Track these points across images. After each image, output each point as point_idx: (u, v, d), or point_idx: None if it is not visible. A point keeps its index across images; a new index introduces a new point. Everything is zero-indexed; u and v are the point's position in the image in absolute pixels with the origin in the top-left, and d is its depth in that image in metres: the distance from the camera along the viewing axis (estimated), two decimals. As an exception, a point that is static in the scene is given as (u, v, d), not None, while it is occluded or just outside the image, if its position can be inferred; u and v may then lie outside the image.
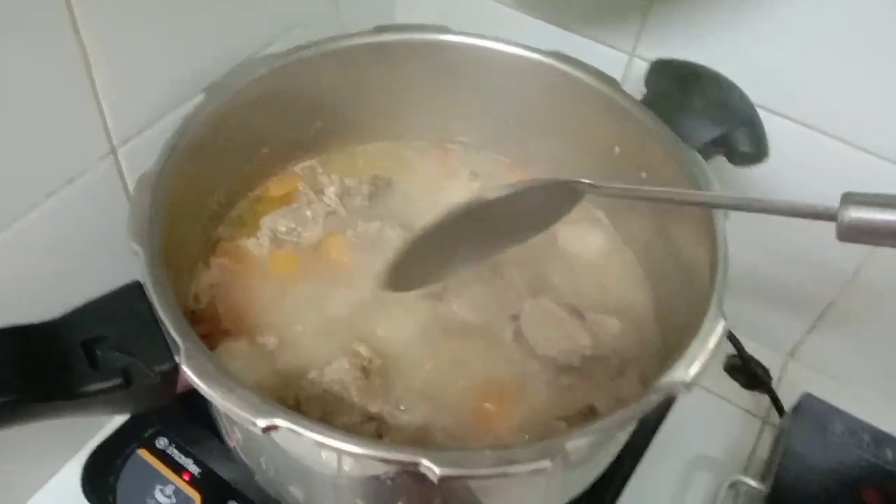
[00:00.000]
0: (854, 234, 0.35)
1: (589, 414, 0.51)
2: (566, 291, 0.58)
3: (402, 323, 0.55)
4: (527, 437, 0.50)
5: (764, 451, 0.71)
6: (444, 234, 0.46)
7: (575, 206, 0.50)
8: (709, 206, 0.49)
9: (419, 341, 0.54)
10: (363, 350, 0.52)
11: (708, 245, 0.49)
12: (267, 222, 0.59)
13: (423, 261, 0.48)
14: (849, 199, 0.35)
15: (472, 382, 0.52)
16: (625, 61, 0.68)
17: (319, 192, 0.62)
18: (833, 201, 0.40)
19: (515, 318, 0.56)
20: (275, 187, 0.63)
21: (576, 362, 0.53)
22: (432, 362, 0.53)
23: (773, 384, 0.76)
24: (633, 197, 0.53)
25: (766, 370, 0.77)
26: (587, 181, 0.48)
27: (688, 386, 0.41)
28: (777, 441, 0.68)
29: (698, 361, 0.42)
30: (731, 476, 0.65)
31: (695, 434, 0.70)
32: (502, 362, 0.54)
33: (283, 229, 0.59)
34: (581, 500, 0.54)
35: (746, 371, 0.77)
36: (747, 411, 0.75)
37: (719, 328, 0.44)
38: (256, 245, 0.58)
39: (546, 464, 0.37)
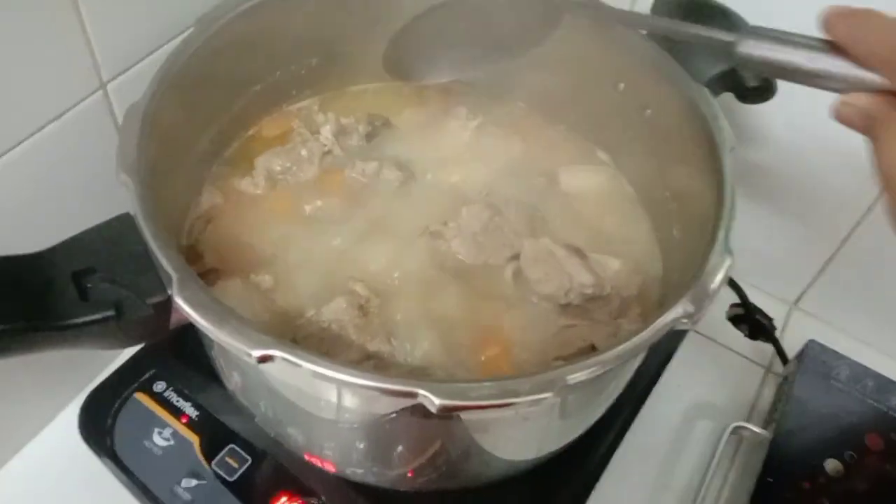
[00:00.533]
0: (745, 64, 0.38)
1: (590, 353, 0.50)
2: (568, 232, 0.57)
3: (399, 261, 0.54)
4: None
5: (767, 400, 0.70)
6: (435, 23, 0.54)
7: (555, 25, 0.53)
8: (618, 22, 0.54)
9: (417, 280, 0.53)
10: (360, 289, 0.51)
11: (713, 181, 0.48)
12: (261, 162, 0.58)
13: (419, 48, 0.55)
14: (747, 31, 0.38)
15: (471, 322, 0.51)
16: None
17: (315, 131, 0.60)
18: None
19: (515, 257, 0.54)
20: (269, 127, 0.61)
21: (576, 301, 0.52)
22: (430, 301, 0.52)
23: (777, 334, 0.75)
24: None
25: (770, 319, 0.76)
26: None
27: (691, 320, 0.40)
28: (780, 388, 0.68)
29: (703, 297, 0.41)
30: (734, 422, 0.65)
31: (697, 382, 0.70)
32: (502, 301, 0.53)
33: (278, 169, 0.58)
34: (582, 444, 0.54)
35: (750, 320, 0.76)
36: (751, 360, 0.74)
37: (726, 263, 0.43)
38: (251, 184, 0.57)
39: (547, 395, 0.36)
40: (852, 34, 0.32)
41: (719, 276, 0.42)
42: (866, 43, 0.32)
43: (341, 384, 0.36)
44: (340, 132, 0.60)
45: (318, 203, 0.57)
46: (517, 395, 0.36)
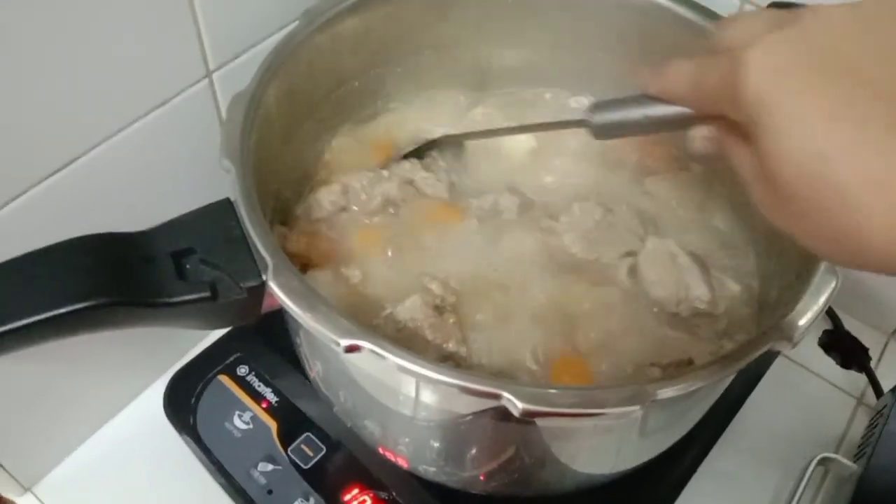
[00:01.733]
0: (605, 132, 0.41)
1: (686, 365, 0.49)
2: (684, 239, 0.55)
3: (505, 254, 0.54)
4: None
5: (857, 432, 0.67)
6: None
7: None
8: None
9: (519, 274, 0.53)
10: (434, 287, 0.51)
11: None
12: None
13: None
14: (594, 108, 0.41)
15: (565, 319, 0.51)
16: (736, 6, 0.64)
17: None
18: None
19: (630, 254, 0.54)
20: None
21: (685, 313, 0.51)
22: (525, 298, 0.51)
23: (872, 364, 0.71)
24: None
25: (865, 349, 0.72)
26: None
27: (791, 342, 0.38)
28: (874, 421, 0.64)
29: (805, 317, 0.39)
30: (821, 453, 0.62)
31: (784, 408, 0.67)
32: (609, 298, 0.52)
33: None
34: (659, 463, 0.52)
35: (844, 348, 0.72)
36: (842, 390, 0.70)
37: (831, 285, 0.41)
38: (327, 202, 0.57)
39: (634, 408, 0.35)
40: (659, 84, 0.37)
41: (823, 297, 0.40)
42: (667, 86, 0.36)
43: (425, 380, 0.36)
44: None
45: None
46: (603, 405, 0.35)
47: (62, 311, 0.37)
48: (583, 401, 0.35)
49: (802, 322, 0.39)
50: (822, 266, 0.41)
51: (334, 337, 0.37)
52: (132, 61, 0.47)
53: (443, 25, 0.60)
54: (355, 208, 0.57)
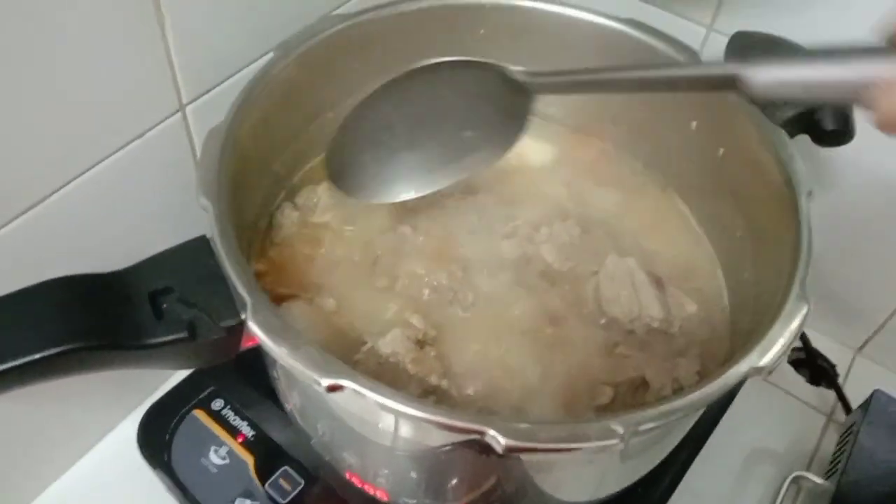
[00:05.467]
0: (771, 91, 0.36)
1: (640, 386, 0.50)
2: (653, 260, 0.57)
3: (481, 262, 0.55)
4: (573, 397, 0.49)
5: (828, 448, 0.68)
6: (378, 117, 0.50)
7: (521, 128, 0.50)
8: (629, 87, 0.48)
9: (496, 286, 0.54)
10: (415, 321, 0.51)
11: (788, 224, 0.47)
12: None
13: (368, 154, 0.51)
14: (750, 63, 0.36)
15: (535, 336, 0.51)
16: (702, 35, 0.65)
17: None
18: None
19: (596, 274, 0.55)
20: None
21: (640, 331, 0.51)
22: (500, 317, 0.52)
23: (840, 381, 0.73)
24: (567, 89, 0.51)
25: (832, 366, 0.74)
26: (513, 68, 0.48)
27: (765, 370, 0.39)
28: (843, 438, 0.66)
29: (778, 345, 0.40)
30: (794, 472, 0.63)
31: (756, 427, 0.68)
32: (571, 315, 0.53)
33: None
34: (638, 488, 0.53)
35: (812, 365, 0.74)
36: (812, 407, 0.72)
37: (802, 312, 0.42)
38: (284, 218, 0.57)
39: (616, 441, 0.35)
40: None
41: (795, 324, 0.41)
42: None
43: (408, 418, 0.36)
44: None
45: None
46: (586, 439, 0.35)
47: (35, 357, 0.36)
48: (565, 435, 0.35)
49: (775, 350, 0.39)
50: (794, 293, 0.42)
51: (316, 377, 0.36)
52: (104, 95, 0.47)
53: (416, 50, 0.61)
54: (315, 220, 0.57)
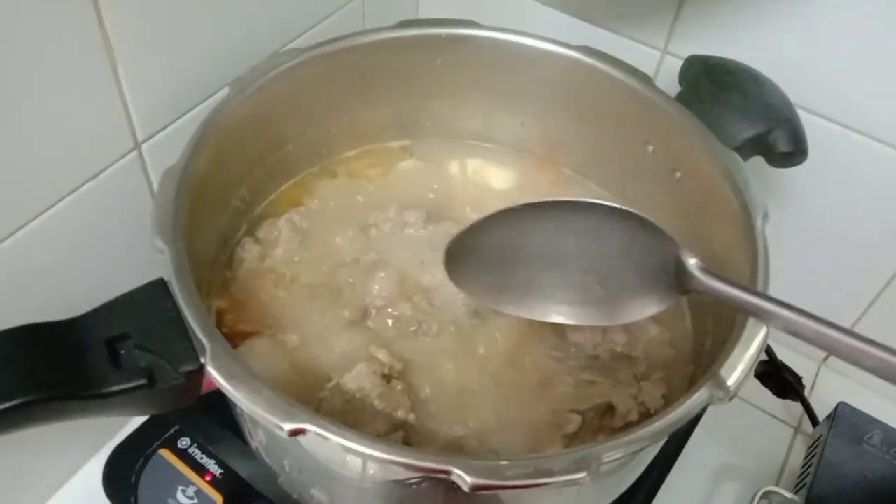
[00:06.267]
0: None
1: (606, 412, 0.50)
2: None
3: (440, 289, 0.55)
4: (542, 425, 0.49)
5: (796, 461, 0.69)
6: (511, 234, 0.45)
7: (671, 300, 0.45)
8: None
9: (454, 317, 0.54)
10: (381, 356, 0.50)
11: (745, 245, 0.47)
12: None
13: (486, 261, 0.47)
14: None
15: (503, 363, 0.52)
16: (657, 58, 0.66)
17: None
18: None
19: None
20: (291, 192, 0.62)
21: (604, 356, 0.52)
22: (455, 362, 0.52)
23: (806, 392, 0.74)
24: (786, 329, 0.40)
25: (798, 378, 0.75)
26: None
27: (728, 396, 0.40)
28: (811, 451, 0.66)
29: (739, 369, 0.40)
30: (763, 486, 0.63)
31: (725, 442, 0.69)
32: (537, 343, 0.53)
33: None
34: (611, 510, 0.53)
35: (778, 378, 0.75)
36: (779, 420, 0.73)
37: (761, 334, 0.42)
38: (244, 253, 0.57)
39: (582, 475, 0.35)
40: None
41: (754, 348, 0.42)
42: None
43: (373, 459, 0.36)
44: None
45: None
46: (551, 474, 0.35)
47: (-11, 411, 0.35)
48: (531, 472, 0.35)
49: (736, 376, 0.40)
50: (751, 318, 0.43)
51: (277, 422, 0.36)
52: (54, 134, 0.46)
53: (371, 83, 0.61)
54: (277, 253, 0.57)
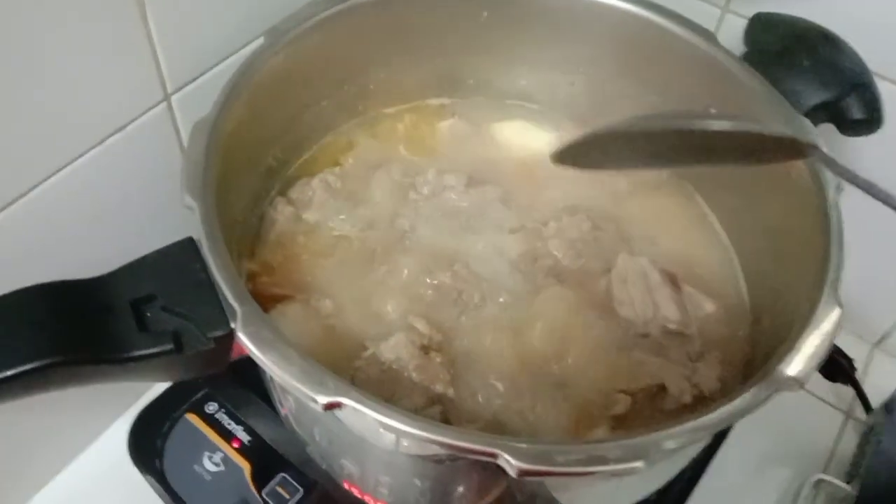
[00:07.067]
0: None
1: (658, 393, 0.47)
2: (669, 258, 0.54)
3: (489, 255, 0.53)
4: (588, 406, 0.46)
5: (846, 448, 0.66)
6: (640, 137, 0.42)
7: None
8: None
9: (503, 282, 0.51)
10: (420, 325, 0.48)
11: (816, 222, 0.44)
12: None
13: (601, 149, 0.43)
14: None
15: (547, 338, 0.49)
16: (716, 17, 0.62)
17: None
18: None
19: (609, 271, 0.52)
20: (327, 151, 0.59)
21: (655, 333, 0.49)
22: (507, 315, 0.49)
23: (858, 376, 0.70)
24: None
25: (850, 360, 0.71)
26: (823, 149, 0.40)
27: (799, 382, 0.36)
28: (865, 439, 0.63)
29: (812, 355, 0.37)
30: (814, 474, 0.60)
31: (770, 426, 0.65)
32: (581, 316, 0.50)
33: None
34: (650, 496, 0.50)
35: (829, 360, 0.71)
36: (829, 404, 0.69)
37: (834, 317, 0.39)
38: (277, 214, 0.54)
39: (639, 464, 0.33)
40: None
41: (828, 330, 0.38)
42: None
43: (412, 437, 0.34)
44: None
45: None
46: (605, 462, 0.33)
47: (8, 374, 0.33)
48: (583, 458, 0.33)
49: (808, 360, 0.37)
50: (824, 296, 0.40)
51: (311, 394, 0.34)
52: (80, 84, 0.44)
53: (412, 36, 0.58)
54: (310, 215, 0.54)
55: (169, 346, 0.36)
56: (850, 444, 0.66)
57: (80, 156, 0.46)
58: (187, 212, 0.40)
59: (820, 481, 0.60)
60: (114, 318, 0.37)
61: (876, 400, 0.66)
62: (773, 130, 0.40)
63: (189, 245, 0.39)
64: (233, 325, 0.36)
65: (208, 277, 0.38)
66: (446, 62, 0.61)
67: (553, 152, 0.43)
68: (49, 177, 0.45)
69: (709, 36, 0.53)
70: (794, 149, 0.40)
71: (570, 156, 0.45)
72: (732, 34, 0.56)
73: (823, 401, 0.69)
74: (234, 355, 0.39)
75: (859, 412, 0.68)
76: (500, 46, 0.60)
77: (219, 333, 0.37)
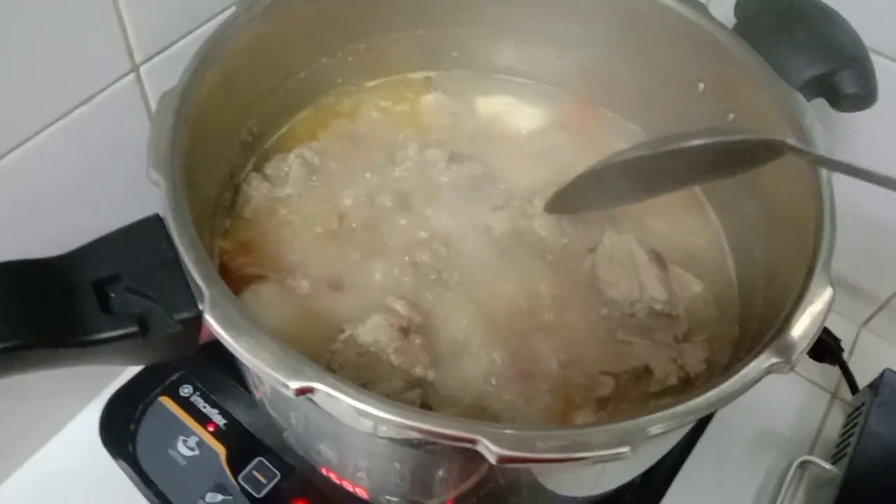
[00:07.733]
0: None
1: (642, 375, 0.46)
2: (656, 238, 0.53)
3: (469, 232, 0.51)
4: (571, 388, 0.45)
5: (832, 429, 0.65)
6: (623, 170, 0.45)
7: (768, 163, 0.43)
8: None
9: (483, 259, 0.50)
10: (399, 307, 0.46)
11: (809, 200, 0.42)
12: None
13: (589, 190, 0.48)
14: None
15: (527, 314, 0.48)
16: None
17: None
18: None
19: (594, 250, 0.51)
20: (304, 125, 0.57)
21: (641, 314, 0.48)
22: (478, 316, 0.47)
23: (845, 356, 0.69)
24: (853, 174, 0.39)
25: (836, 340, 0.70)
26: (794, 143, 0.41)
27: (790, 364, 0.35)
28: (851, 420, 0.62)
29: (803, 336, 0.36)
30: (800, 456, 0.60)
31: (755, 406, 0.64)
32: (565, 295, 0.49)
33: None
34: (635, 479, 0.50)
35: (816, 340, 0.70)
36: (815, 384, 0.69)
37: (826, 297, 0.38)
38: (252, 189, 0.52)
39: (625, 449, 0.31)
40: None
41: (820, 310, 0.37)
42: None
43: (388, 424, 0.32)
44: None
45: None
46: (590, 448, 0.32)
47: (-38, 358, 0.31)
48: (567, 445, 0.31)
49: (799, 342, 0.36)
50: (816, 276, 0.38)
51: (282, 379, 0.32)
52: (45, 54, 0.42)
53: (395, 5, 0.56)
54: (286, 192, 0.52)
55: (133, 329, 0.34)
56: (835, 425, 0.65)
57: (44, 129, 0.44)
58: (154, 187, 0.38)
59: (806, 462, 0.59)
60: (75, 300, 0.35)
61: (862, 380, 0.65)
62: (746, 136, 0.43)
63: (155, 222, 0.37)
64: (200, 307, 0.34)
65: (175, 256, 0.36)
66: (430, 33, 0.59)
67: (545, 204, 0.48)
68: (10, 150, 0.43)
69: (699, 6, 0.51)
70: (771, 149, 0.42)
71: (559, 204, 0.51)
72: (722, 5, 0.54)
73: (810, 381, 0.69)
74: (204, 337, 0.37)
75: (845, 393, 0.67)
76: (486, 18, 0.58)
77: (186, 315, 0.35)
